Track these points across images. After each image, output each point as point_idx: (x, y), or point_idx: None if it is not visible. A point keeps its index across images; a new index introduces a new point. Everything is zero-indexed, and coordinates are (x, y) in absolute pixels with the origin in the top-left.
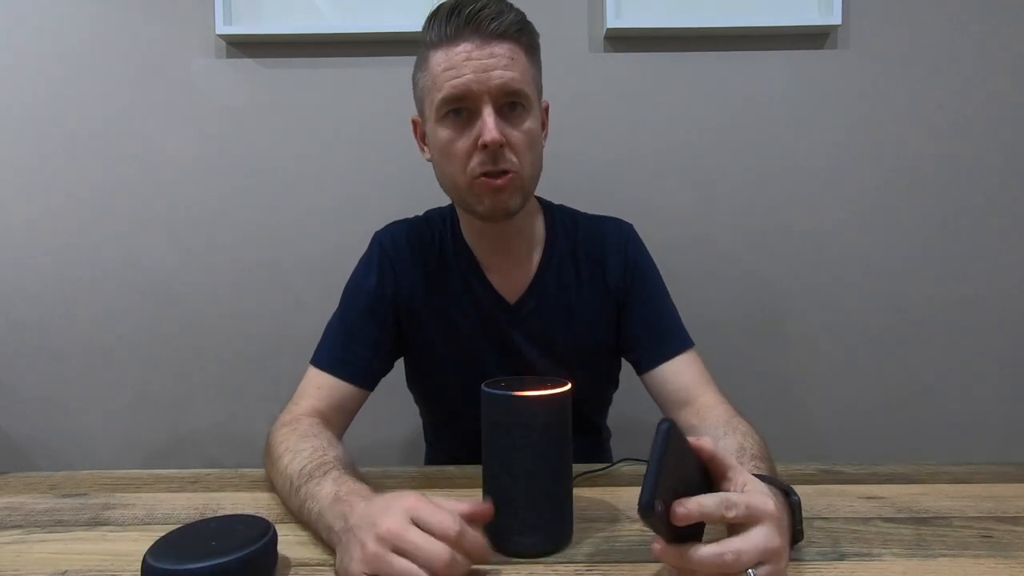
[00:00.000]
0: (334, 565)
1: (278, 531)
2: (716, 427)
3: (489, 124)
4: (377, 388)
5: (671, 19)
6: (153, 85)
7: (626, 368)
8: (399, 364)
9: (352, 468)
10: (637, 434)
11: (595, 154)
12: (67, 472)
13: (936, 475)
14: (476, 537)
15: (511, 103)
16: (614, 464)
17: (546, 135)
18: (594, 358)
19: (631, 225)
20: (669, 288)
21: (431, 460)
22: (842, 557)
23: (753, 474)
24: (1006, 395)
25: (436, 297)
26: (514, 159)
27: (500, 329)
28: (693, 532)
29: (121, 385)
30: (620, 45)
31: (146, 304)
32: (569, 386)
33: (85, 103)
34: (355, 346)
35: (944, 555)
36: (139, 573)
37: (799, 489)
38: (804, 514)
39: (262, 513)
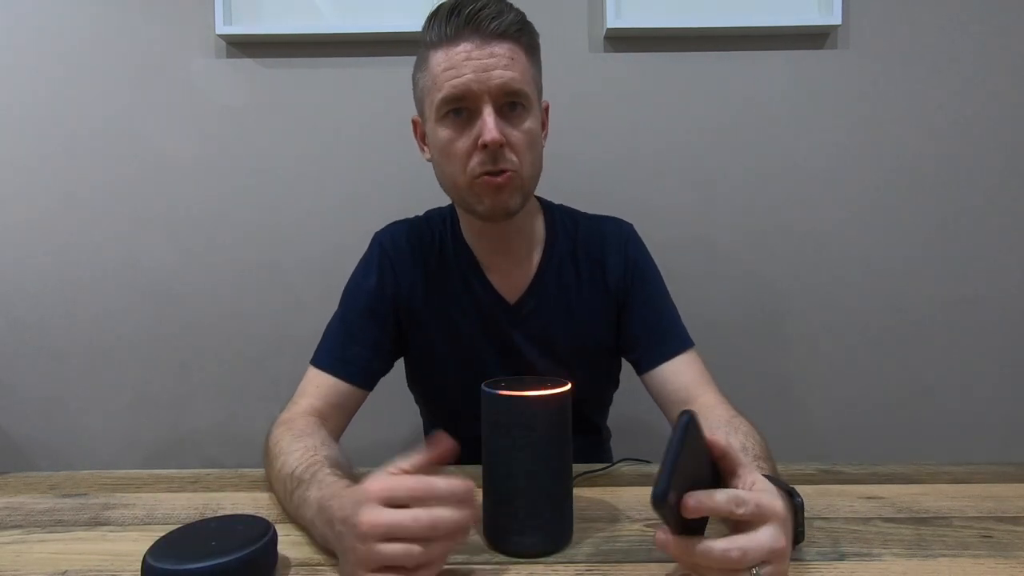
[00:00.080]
0: (337, 566)
1: (278, 531)
2: (717, 427)
3: (489, 124)
4: (377, 388)
5: (671, 19)
6: (153, 85)
7: (626, 368)
8: (399, 364)
9: (341, 465)
10: (637, 434)
11: (595, 154)
12: (67, 472)
13: (936, 475)
14: (449, 483)
15: (511, 103)
16: (614, 464)
17: (546, 135)
18: (594, 358)
19: (631, 225)
20: (669, 288)
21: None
22: (842, 557)
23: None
24: (1006, 395)
25: (436, 297)
26: (514, 159)
27: (500, 329)
28: (698, 526)
29: (121, 385)
30: (620, 45)
31: (146, 304)
32: (569, 386)
33: (85, 103)
34: (355, 346)
35: (944, 555)
36: (139, 573)
37: (799, 489)
38: (804, 514)
39: (262, 513)
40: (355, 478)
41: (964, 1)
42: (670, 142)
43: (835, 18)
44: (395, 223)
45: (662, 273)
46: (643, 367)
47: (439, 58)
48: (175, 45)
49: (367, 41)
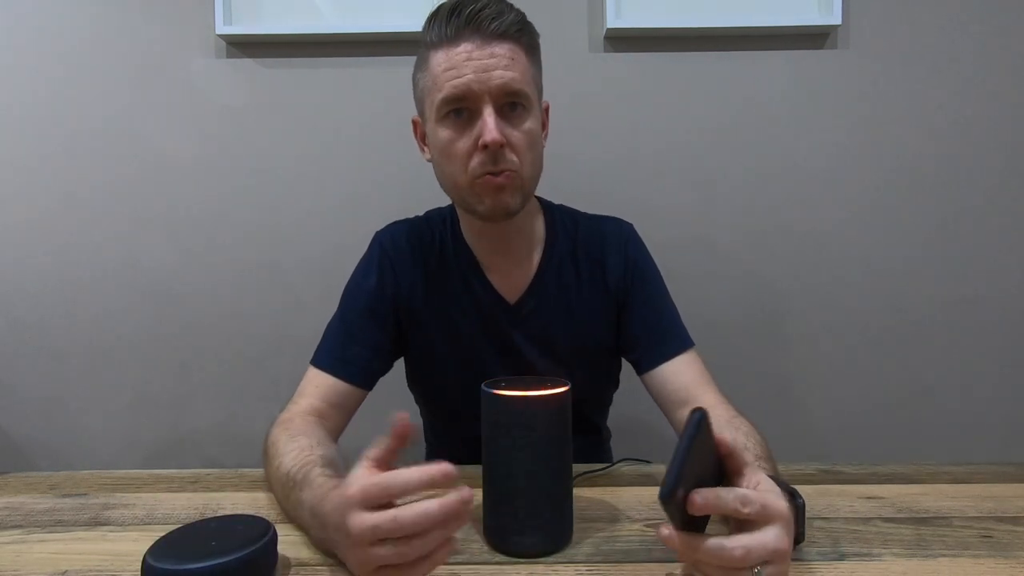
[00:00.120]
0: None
1: (278, 531)
2: (718, 427)
3: (489, 124)
4: (377, 388)
5: (671, 19)
6: (153, 85)
7: (626, 368)
8: (399, 364)
9: (334, 464)
10: (637, 434)
11: (595, 154)
12: (67, 472)
13: (936, 475)
14: (421, 471)
15: (511, 103)
16: (614, 464)
17: (546, 135)
18: (594, 358)
19: (631, 225)
20: (669, 288)
21: (431, 460)
22: (842, 557)
23: None
24: (1006, 395)
25: (436, 297)
26: (514, 159)
27: (500, 329)
28: (700, 522)
29: (121, 385)
30: (620, 45)
31: (146, 304)
32: (569, 386)
33: (85, 103)
34: (354, 346)
35: (944, 555)
36: (139, 573)
37: (799, 489)
38: (805, 514)
39: (262, 513)
40: (340, 475)
41: (964, 1)
42: (670, 142)
43: (835, 18)
44: (395, 223)
45: (662, 273)
46: (643, 367)
47: (439, 58)
48: (175, 45)
49: (367, 41)
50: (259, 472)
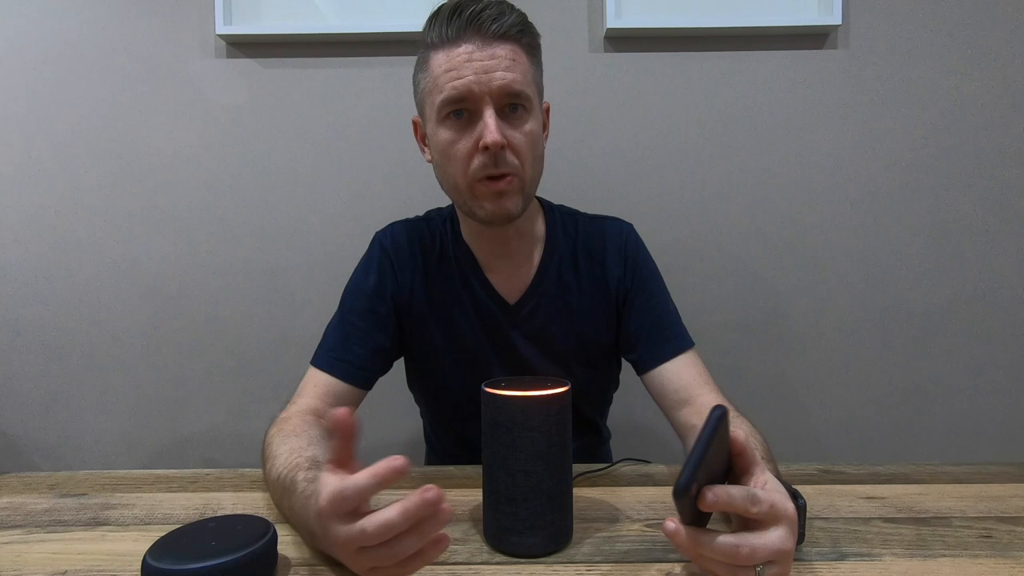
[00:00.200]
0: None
1: (278, 531)
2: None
3: (490, 126)
4: (377, 388)
5: (671, 19)
6: (153, 85)
7: (626, 368)
8: (399, 364)
9: (323, 466)
10: (637, 434)
11: (595, 154)
12: (67, 472)
13: (936, 475)
14: (376, 470)
15: (512, 104)
16: (614, 464)
17: (547, 136)
18: (594, 358)
19: (631, 225)
20: (669, 288)
21: (431, 460)
22: (842, 557)
23: None
24: (1006, 395)
25: (436, 297)
26: (515, 161)
27: (500, 329)
28: (704, 518)
29: (121, 385)
30: (620, 45)
31: (146, 304)
32: (569, 386)
33: (85, 103)
34: (354, 346)
35: (944, 555)
36: (139, 573)
37: (799, 489)
38: (806, 515)
39: (262, 513)
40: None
41: (964, 1)
42: (670, 142)
43: (835, 18)
44: (395, 223)
45: (662, 273)
46: (643, 367)
47: (440, 59)
48: (175, 45)
49: (367, 41)
50: (259, 472)
